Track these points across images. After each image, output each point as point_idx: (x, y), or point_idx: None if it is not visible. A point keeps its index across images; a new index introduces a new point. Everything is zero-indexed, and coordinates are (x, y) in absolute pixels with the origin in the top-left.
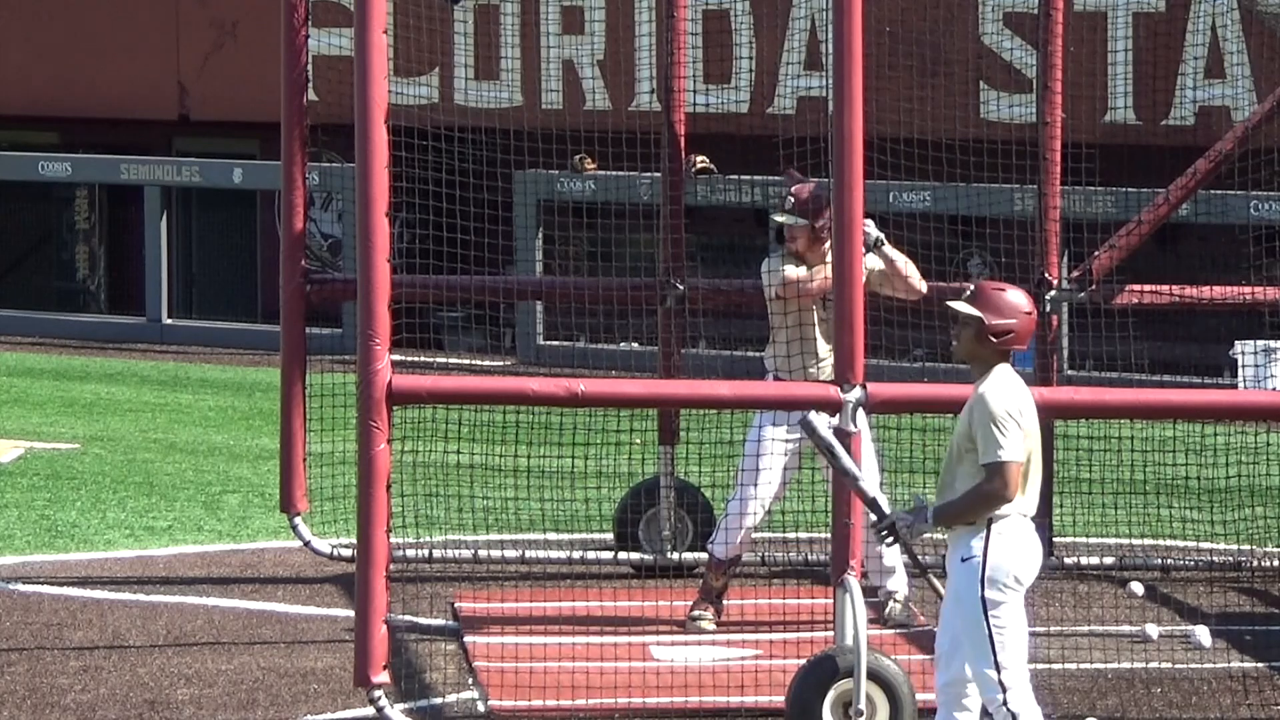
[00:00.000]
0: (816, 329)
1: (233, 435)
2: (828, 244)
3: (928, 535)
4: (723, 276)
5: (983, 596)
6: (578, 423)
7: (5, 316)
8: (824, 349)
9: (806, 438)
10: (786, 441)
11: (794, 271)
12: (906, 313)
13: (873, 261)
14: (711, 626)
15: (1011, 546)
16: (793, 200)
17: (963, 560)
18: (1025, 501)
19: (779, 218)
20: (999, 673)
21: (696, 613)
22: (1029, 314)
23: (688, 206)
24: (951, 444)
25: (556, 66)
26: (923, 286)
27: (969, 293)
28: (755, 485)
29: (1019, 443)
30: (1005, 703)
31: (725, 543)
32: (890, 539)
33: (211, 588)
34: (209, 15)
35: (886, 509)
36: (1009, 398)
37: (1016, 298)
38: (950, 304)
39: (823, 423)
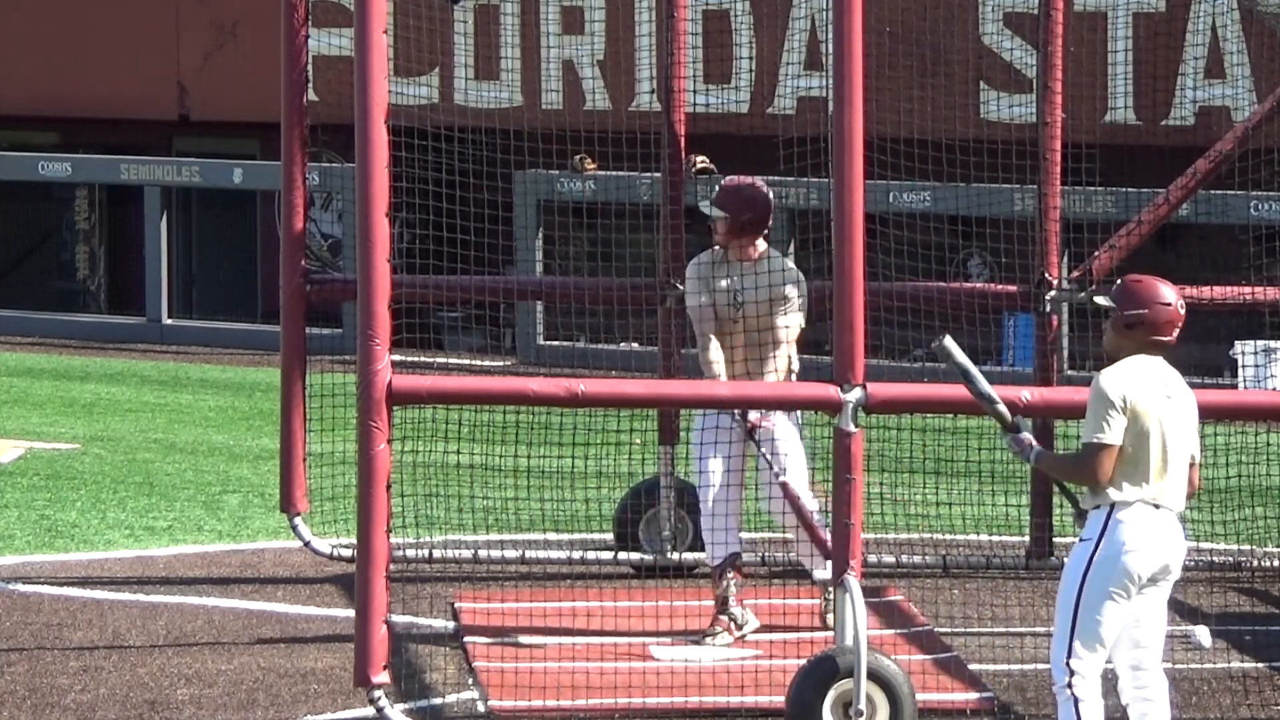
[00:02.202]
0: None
1: (233, 435)
2: (757, 242)
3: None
4: None
5: (1084, 580)
6: (578, 423)
7: (5, 316)
8: (734, 360)
9: (944, 359)
10: (725, 443)
11: (693, 302)
12: (906, 313)
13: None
14: (728, 639)
15: (1127, 538)
16: (719, 191)
17: (1081, 540)
18: (1157, 491)
19: (703, 206)
20: (1069, 656)
21: (714, 628)
22: (1166, 305)
23: (688, 206)
24: None
25: (556, 66)
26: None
27: (1113, 288)
28: (711, 486)
29: (1117, 427)
30: (1070, 685)
31: (711, 556)
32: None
33: (211, 588)
34: (209, 15)
35: (1009, 418)
36: (1120, 382)
37: (1151, 289)
38: (1095, 299)
39: (955, 346)
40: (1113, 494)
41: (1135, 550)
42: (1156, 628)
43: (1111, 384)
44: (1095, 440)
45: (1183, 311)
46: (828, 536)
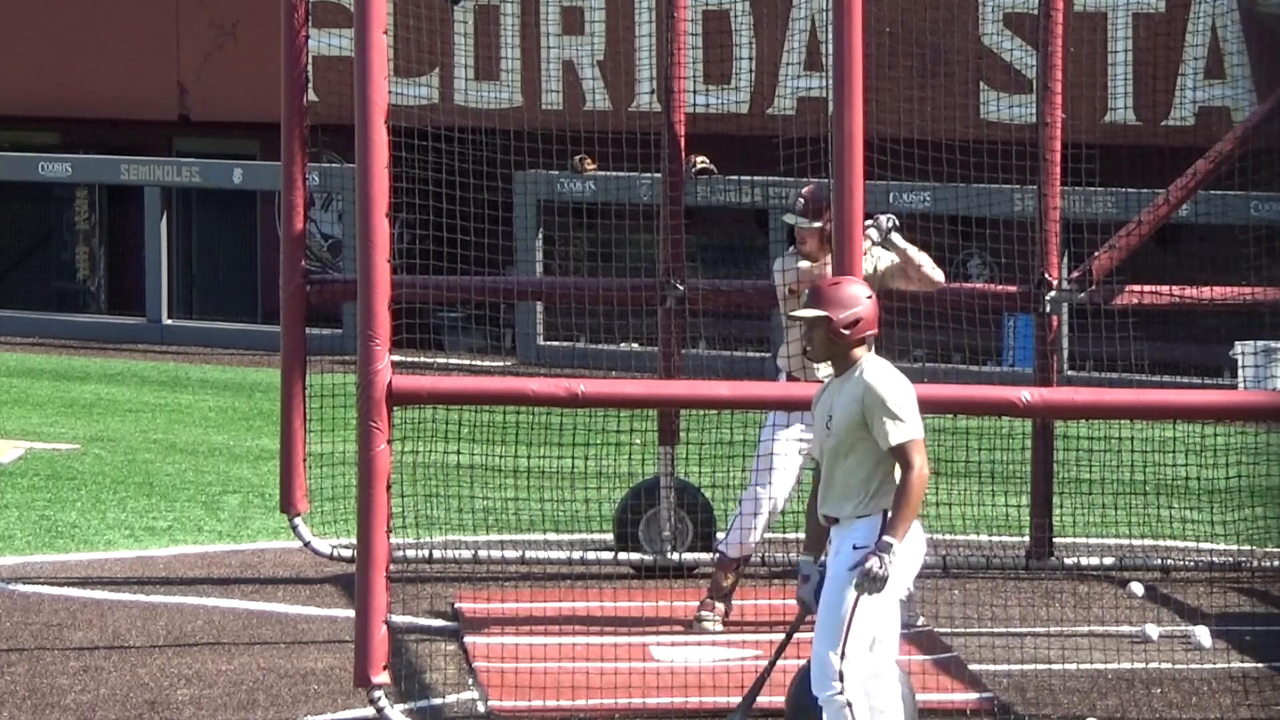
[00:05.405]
0: None
1: (233, 435)
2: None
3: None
4: (723, 276)
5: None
6: (578, 423)
7: (5, 316)
8: None
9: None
10: (799, 441)
11: (807, 265)
12: (906, 313)
13: (887, 257)
14: (718, 627)
15: (905, 541)
16: (802, 202)
17: (855, 548)
18: None
19: (790, 219)
20: (841, 661)
21: (703, 613)
22: (870, 298)
23: (688, 206)
24: (829, 443)
25: (556, 66)
26: (939, 275)
27: (807, 297)
28: (768, 484)
29: (919, 417)
30: (842, 692)
31: (737, 541)
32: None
33: (211, 588)
34: (209, 15)
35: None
36: (896, 378)
37: (855, 288)
38: (793, 314)
39: None
40: (889, 502)
41: (911, 554)
42: (895, 624)
43: (898, 384)
44: (911, 436)
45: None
46: None
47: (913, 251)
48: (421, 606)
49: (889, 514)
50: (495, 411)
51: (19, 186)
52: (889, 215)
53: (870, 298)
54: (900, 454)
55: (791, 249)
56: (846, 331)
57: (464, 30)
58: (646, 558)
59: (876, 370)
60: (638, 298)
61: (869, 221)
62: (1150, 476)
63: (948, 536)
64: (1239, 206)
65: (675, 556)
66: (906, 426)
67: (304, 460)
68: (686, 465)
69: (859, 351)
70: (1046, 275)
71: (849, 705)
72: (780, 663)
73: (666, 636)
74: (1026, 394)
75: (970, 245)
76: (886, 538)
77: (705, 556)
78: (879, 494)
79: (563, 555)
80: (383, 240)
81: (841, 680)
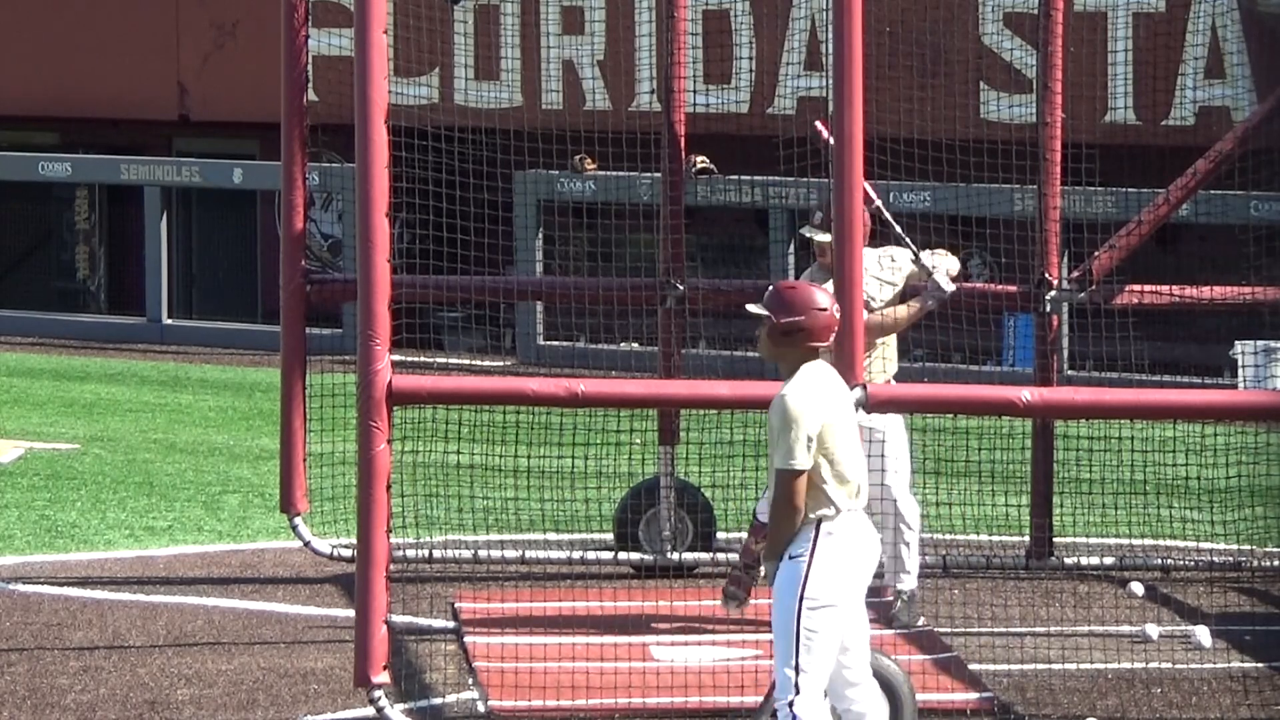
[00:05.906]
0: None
1: (233, 435)
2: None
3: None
4: (723, 276)
5: (802, 595)
6: (578, 423)
7: (5, 316)
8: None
9: None
10: None
11: (874, 319)
12: None
13: (880, 265)
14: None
15: (839, 549)
16: (820, 215)
17: (790, 558)
18: (851, 497)
19: (809, 234)
20: (797, 675)
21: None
22: (821, 310)
23: (688, 206)
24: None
25: (556, 66)
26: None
27: (766, 294)
28: None
29: (805, 449)
30: (792, 705)
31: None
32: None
33: (211, 588)
34: (209, 15)
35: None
36: (803, 400)
37: (807, 295)
38: (748, 306)
39: None
40: (822, 511)
41: (848, 561)
42: (863, 629)
43: (801, 405)
44: (790, 466)
45: (838, 316)
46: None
47: (956, 269)
48: (421, 606)
49: (822, 524)
50: (495, 411)
51: (19, 186)
52: (938, 254)
53: (823, 309)
54: (775, 477)
55: (815, 264)
56: (784, 336)
57: (464, 30)
58: (646, 558)
59: (795, 386)
60: (638, 298)
61: (931, 271)
62: (1150, 476)
63: (948, 536)
64: (1239, 206)
65: (675, 556)
66: (787, 455)
67: (304, 460)
68: (686, 465)
69: (804, 362)
70: (1046, 275)
71: (795, 719)
72: None
73: (666, 636)
74: (1026, 394)
75: (970, 245)
76: (757, 558)
77: (705, 556)
78: (808, 505)
79: (563, 555)
80: (383, 240)
81: (797, 693)
